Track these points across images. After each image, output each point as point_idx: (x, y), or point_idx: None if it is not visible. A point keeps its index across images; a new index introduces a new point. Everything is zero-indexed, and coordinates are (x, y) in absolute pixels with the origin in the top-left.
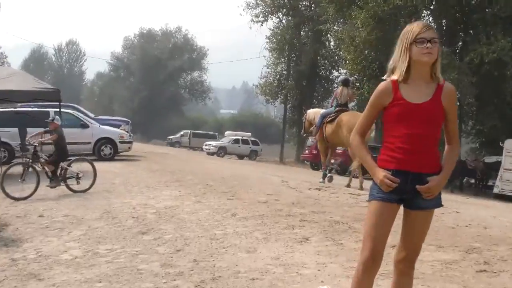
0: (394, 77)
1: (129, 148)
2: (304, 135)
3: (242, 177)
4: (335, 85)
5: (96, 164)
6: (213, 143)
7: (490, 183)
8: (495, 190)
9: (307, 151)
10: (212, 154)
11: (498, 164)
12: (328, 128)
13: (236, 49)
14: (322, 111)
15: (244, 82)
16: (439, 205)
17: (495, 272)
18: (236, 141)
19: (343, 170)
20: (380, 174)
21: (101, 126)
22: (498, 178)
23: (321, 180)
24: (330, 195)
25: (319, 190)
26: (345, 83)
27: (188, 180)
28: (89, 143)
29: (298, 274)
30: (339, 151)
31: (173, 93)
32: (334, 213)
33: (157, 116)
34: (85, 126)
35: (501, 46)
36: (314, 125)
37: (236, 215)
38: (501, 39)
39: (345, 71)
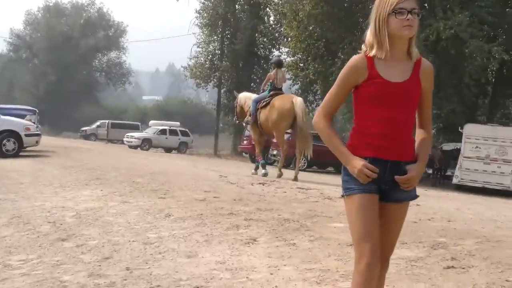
0: (373, 53)
1: (37, 142)
2: (237, 121)
3: (173, 173)
4: None
5: None
6: (136, 134)
7: (448, 173)
8: (455, 181)
9: (245, 142)
10: (135, 147)
11: (457, 152)
12: (262, 115)
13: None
14: (254, 96)
15: (170, 64)
16: (415, 196)
17: (463, 268)
18: (162, 132)
19: (287, 162)
20: (358, 163)
21: (2, 117)
22: (457, 167)
23: (253, 171)
24: (276, 190)
25: (263, 184)
26: (279, 64)
27: (110, 177)
28: None
29: (248, 280)
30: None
31: (86, 77)
32: (283, 210)
33: (67, 104)
34: None
35: (458, 21)
36: (246, 111)
37: (170, 216)
38: (458, 13)
39: (287, 50)
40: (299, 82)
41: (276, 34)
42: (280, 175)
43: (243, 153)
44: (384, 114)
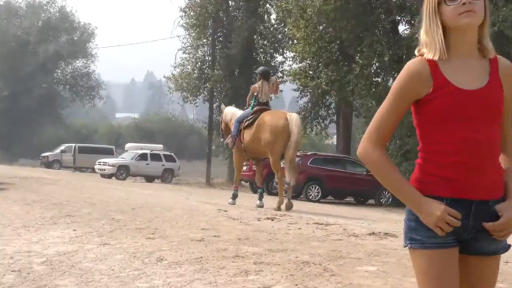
0: (429, 55)
1: None
2: (222, 140)
3: (161, 207)
4: (280, 74)
5: None
6: (110, 161)
7: None
8: None
9: (244, 167)
10: (109, 176)
11: None
12: (247, 135)
13: (137, 27)
14: (239, 113)
15: (148, 73)
16: (508, 247)
17: None
18: (142, 157)
19: (295, 190)
20: (435, 209)
21: None
22: None
23: (230, 200)
24: (289, 227)
25: (273, 220)
26: (265, 75)
27: (84, 214)
28: None
29: None
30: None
31: (47, 91)
32: (300, 250)
33: (24, 124)
34: None
35: (503, 16)
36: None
37: (163, 260)
38: (502, 7)
39: (293, 54)
40: (308, 94)
41: (279, 36)
42: (279, 207)
43: (242, 181)
44: (463, 134)
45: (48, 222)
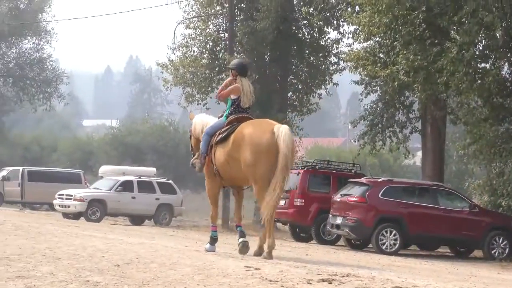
0: None
1: None
2: (191, 162)
3: (158, 263)
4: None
5: None
6: (76, 192)
7: None
8: None
9: (282, 203)
10: (76, 216)
11: None
12: (219, 154)
13: None
14: (211, 122)
15: (131, 59)
16: None
17: None
18: (125, 186)
19: (361, 235)
20: None
21: None
22: None
23: (207, 246)
24: None
25: (331, 283)
26: (242, 70)
27: (44, 275)
28: None
29: None
30: (351, 199)
31: None
32: None
33: None
34: None
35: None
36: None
37: None
38: None
39: (352, 28)
40: (377, 89)
41: (332, 0)
42: (270, 253)
43: (275, 221)
44: None
45: None
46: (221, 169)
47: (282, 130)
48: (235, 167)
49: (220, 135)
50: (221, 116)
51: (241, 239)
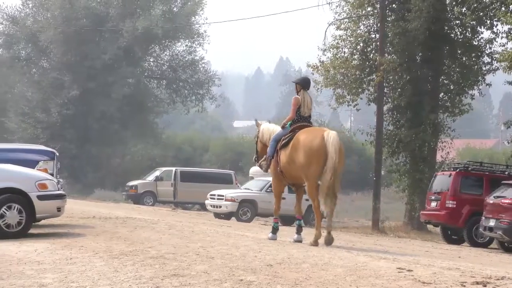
0: None
1: (59, 210)
2: (257, 164)
3: (310, 263)
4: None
5: None
6: (228, 193)
7: None
8: None
9: (433, 204)
10: (227, 215)
11: None
12: (283, 157)
13: None
14: (278, 130)
15: (282, 60)
16: None
17: None
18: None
19: None
20: None
21: None
22: None
23: (270, 235)
24: None
25: (485, 286)
26: (305, 85)
27: (198, 273)
28: None
29: None
30: (504, 201)
31: (134, 90)
32: None
33: (100, 139)
34: None
35: None
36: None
37: None
38: None
39: (507, 27)
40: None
41: None
42: (316, 241)
43: (425, 222)
44: None
45: (147, 284)
46: (284, 170)
47: (331, 136)
48: (294, 167)
49: (284, 141)
50: (285, 125)
51: (296, 235)
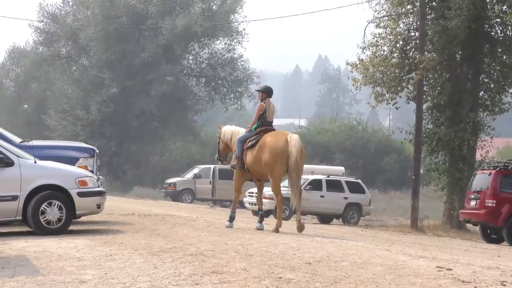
0: None
1: (99, 207)
2: (218, 161)
3: (350, 262)
4: None
5: (32, 241)
6: (265, 190)
7: None
8: None
9: (473, 203)
10: (266, 213)
11: None
12: (249, 157)
13: None
14: (241, 132)
15: (320, 59)
16: None
17: None
18: (314, 185)
19: None
20: None
21: (39, 162)
22: None
23: (227, 223)
24: None
25: None
26: (269, 93)
27: (237, 270)
28: (12, 198)
29: None
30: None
31: (173, 88)
32: None
33: (139, 137)
34: (3, 162)
35: None
36: (234, 151)
37: None
38: None
39: None
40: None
41: None
42: (277, 229)
43: (464, 221)
44: None
45: (186, 281)
46: (250, 167)
47: (293, 138)
48: (260, 166)
49: (250, 142)
50: (249, 130)
51: (258, 224)
